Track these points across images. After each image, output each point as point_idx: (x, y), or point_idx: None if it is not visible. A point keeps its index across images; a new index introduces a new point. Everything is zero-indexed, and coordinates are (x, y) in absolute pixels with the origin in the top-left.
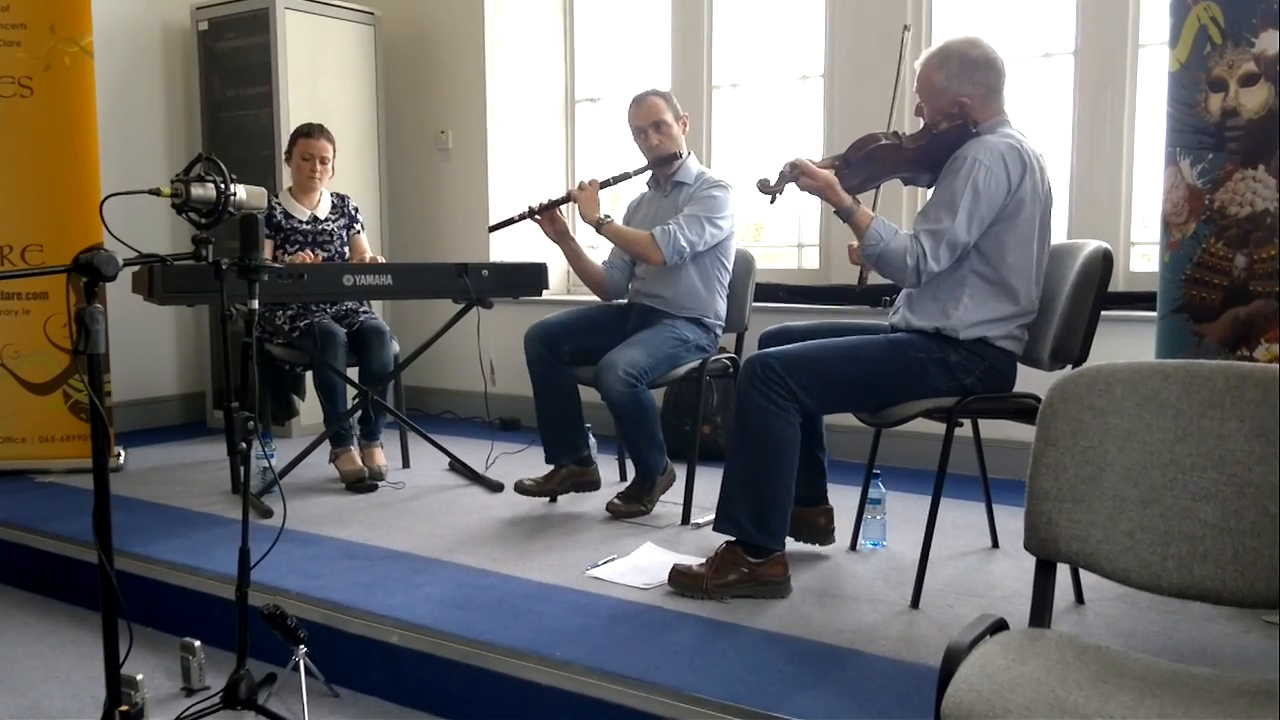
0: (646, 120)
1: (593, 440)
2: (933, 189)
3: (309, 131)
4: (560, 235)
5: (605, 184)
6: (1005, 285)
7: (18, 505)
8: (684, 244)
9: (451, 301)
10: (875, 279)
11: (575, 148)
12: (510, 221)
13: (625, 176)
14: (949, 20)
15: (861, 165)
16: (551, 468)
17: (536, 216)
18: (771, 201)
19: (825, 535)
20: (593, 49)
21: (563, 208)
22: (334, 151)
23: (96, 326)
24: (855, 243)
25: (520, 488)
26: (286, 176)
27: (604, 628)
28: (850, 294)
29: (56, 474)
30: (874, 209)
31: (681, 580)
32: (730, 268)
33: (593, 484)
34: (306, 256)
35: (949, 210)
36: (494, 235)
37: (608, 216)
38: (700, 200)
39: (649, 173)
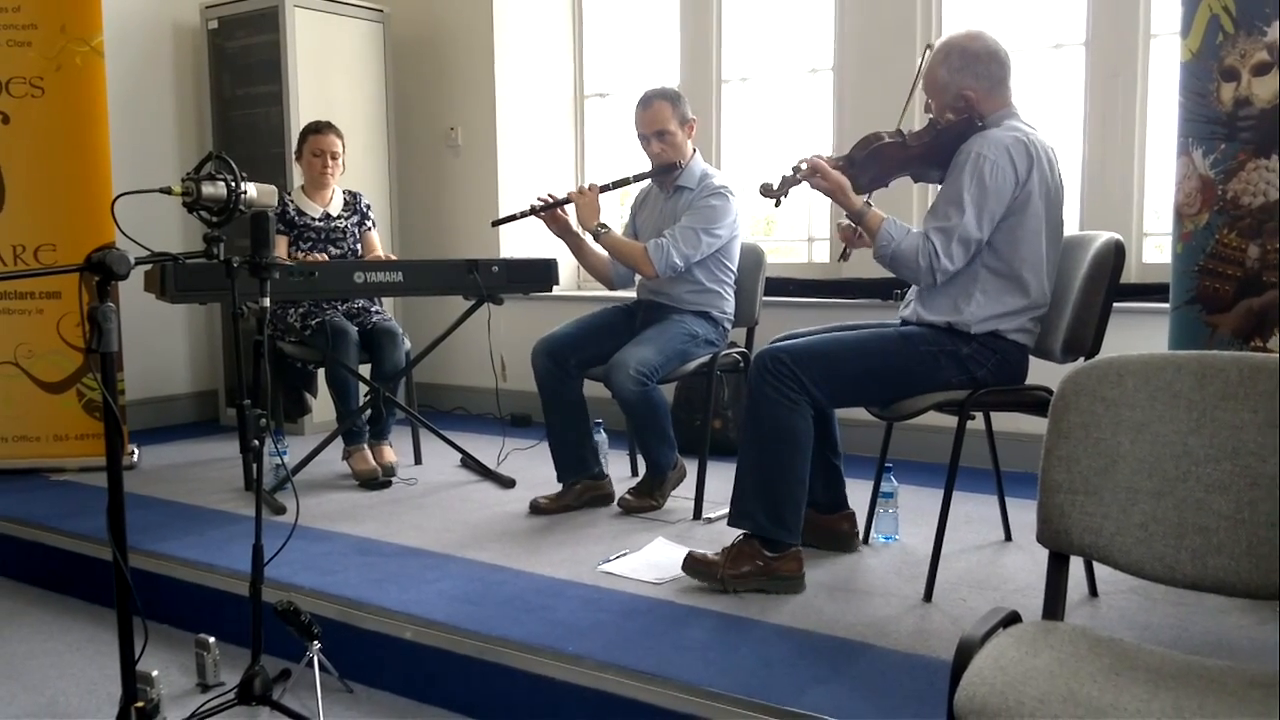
0: (650, 128)
1: (603, 435)
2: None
3: (318, 128)
4: (563, 231)
5: (605, 189)
6: (1016, 279)
7: (32, 503)
8: (677, 260)
9: (462, 298)
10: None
11: (585, 143)
12: (513, 217)
13: (625, 182)
14: (960, 12)
15: (867, 165)
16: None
17: (539, 214)
18: (776, 205)
19: (849, 541)
20: (602, 44)
21: (566, 206)
22: (343, 147)
23: (109, 325)
24: (843, 220)
25: (535, 508)
26: (297, 174)
27: (616, 622)
28: (860, 287)
29: (70, 472)
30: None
31: (696, 567)
32: (734, 267)
33: (607, 497)
34: (316, 258)
35: (957, 207)
36: (503, 232)
37: (604, 226)
38: (698, 210)
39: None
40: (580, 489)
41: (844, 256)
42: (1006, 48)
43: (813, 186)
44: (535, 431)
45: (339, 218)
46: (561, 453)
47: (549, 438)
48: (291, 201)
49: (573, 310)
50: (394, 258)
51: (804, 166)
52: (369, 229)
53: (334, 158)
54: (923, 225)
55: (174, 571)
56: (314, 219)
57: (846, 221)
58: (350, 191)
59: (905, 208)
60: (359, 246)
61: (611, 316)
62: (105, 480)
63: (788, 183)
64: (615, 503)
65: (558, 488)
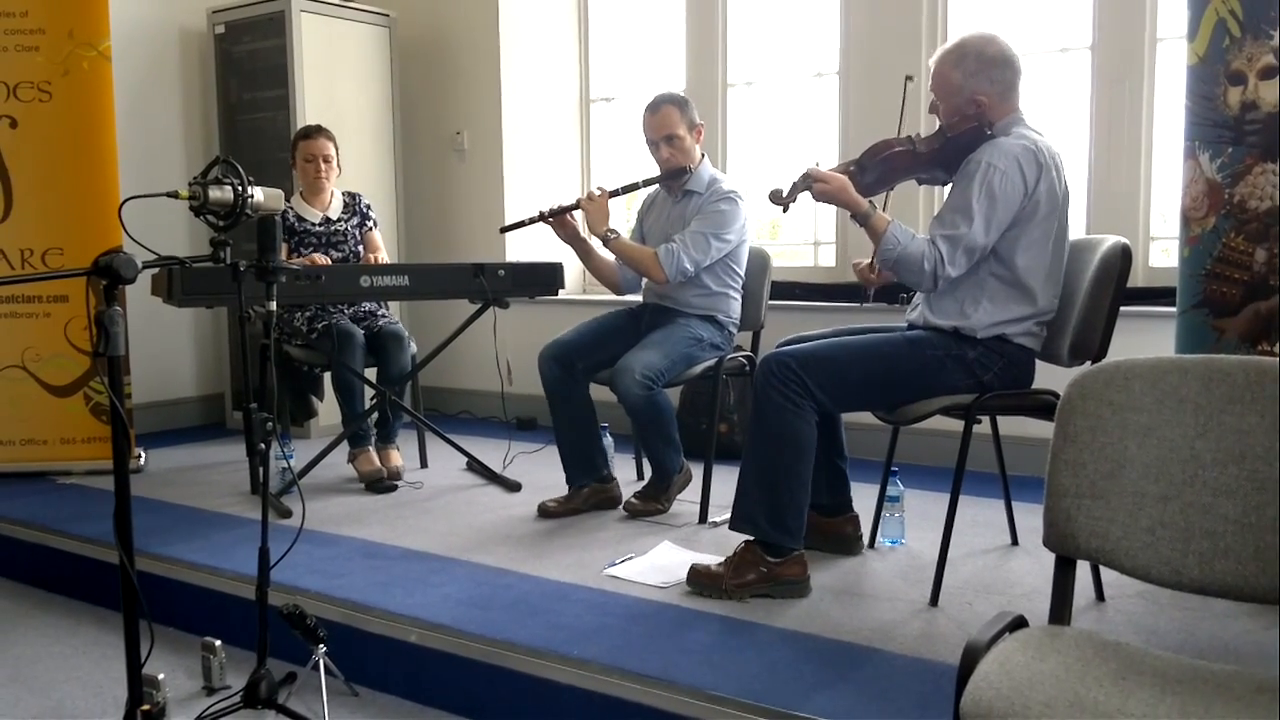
0: (659, 134)
1: (609, 440)
2: (948, 190)
3: (307, 133)
4: (571, 237)
5: (614, 194)
6: (1023, 287)
7: (39, 507)
8: (688, 265)
9: (468, 302)
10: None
11: (590, 147)
12: (522, 224)
13: (634, 187)
14: (965, 15)
15: (875, 169)
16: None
17: (548, 220)
18: (784, 210)
19: (853, 544)
20: (607, 48)
21: (574, 212)
22: (336, 149)
23: (116, 329)
24: (862, 261)
25: (544, 511)
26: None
27: (622, 626)
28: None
29: (77, 475)
30: (885, 209)
31: (700, 580)
32: (741, 272)
33: (614, 501)
34: (317, 260)
35: (965, 215)
36: (509, 236)
37: (614, 231)
38: (708, 214)
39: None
40: (588, 493)
41: (867, 298)
42: (1017, 52)
43: (815, 195)
44: (541, 435)
45: (339, 220)
46: (570, 457)
47: (558, 442)
48: (291, 209)
49: (579, 314)
50: (384, 258)
51: (801, 178)
52: (370, 229)
53: (326, 161)
54: (929, 231)
55: (180, 575)
56: (314, 224)
57: (864, 263)
58: (349, 193)
59: (911, 212)
60: (361, 248)
61: (617, 320)
62: (112, 483)
63: (797, 189)
64: (621, 506)
65: (563, 491)
